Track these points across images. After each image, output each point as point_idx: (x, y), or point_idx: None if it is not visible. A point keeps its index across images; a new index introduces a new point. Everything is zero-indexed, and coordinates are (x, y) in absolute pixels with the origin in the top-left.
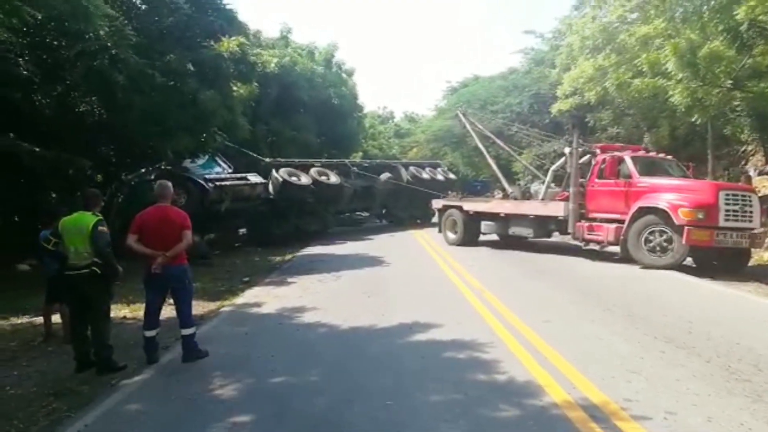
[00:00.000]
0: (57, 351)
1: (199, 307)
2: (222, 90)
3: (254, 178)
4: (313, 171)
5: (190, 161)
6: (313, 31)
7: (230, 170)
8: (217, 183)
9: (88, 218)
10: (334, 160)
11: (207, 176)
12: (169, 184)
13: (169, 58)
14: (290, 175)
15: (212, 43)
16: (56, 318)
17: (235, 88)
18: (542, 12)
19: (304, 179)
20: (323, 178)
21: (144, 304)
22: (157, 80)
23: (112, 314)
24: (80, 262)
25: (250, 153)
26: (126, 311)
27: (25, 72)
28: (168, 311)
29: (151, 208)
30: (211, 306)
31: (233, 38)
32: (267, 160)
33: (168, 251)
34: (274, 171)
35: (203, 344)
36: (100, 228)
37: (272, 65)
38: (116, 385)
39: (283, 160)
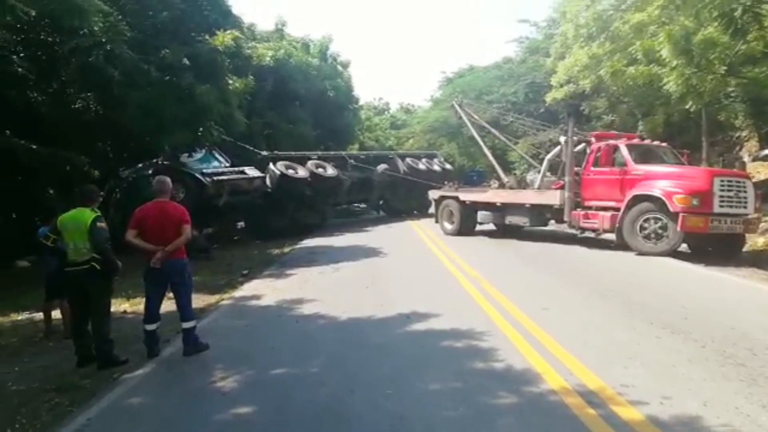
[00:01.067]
0: (58, 346)
1: (198, 301)
2: (218, 84)
3: (252, 171)
4: (310, 164)
5: (188, 156)
6: (307, 24)
7: (228, 164)
8: (215, 177)
9: (86, 214)
10: (331, 153)
11: (204, 171)
12: (168, 179)
13: (165, 53)
14: (287, 168)
15: (207, 37)
16: (56, 314)
17: (230, 82)
18: (537, 0)
19: (302, 172)
20: (320, 170)
21: (144, 299)
22: (152, 75)
23: (113, 309)
24: (79, 258)
25: (247, 147)
26: (126, 306)
27: (20, 69)
28: (168, 305)
29: (150, 203)
30: (211, 299)
31: (228, 32)
32: (264, 153)
33: (167, 246)
34: (271, 164)
35: (204, 337)
36: (98, 224)
37: (267, 58)
38: (118, 379)
39: (280, 153)
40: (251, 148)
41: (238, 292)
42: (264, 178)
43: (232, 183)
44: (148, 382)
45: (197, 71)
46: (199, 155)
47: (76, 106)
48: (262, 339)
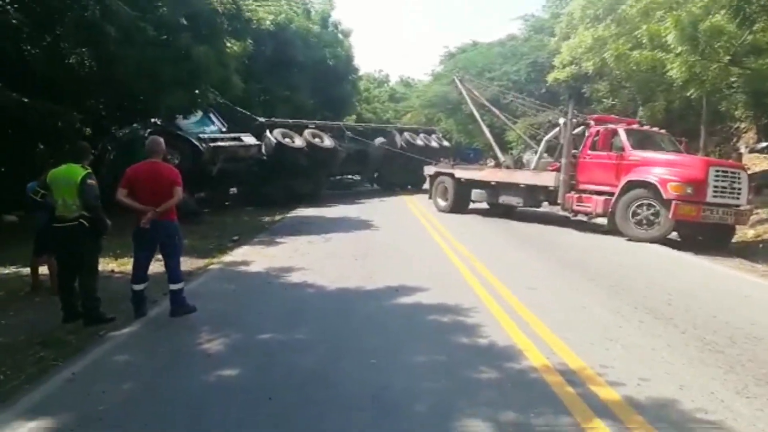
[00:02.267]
0: (44, 302)
1: (187, 264)
2: (216, 46)
3: (248, 138)
4: (307, 133)
5: (183, 118)
6: None
7: (224, 128)
8: (211, 144)
9: (77, 170)
10: (329, 123)
11: (201, 135)
12: (161, 139)
13: (162, 11)
14: (284, 136)
15: None
16: (44, 269)
17: (229, 45)
18: None
19: (298, 141)
20: (317, 140)
21: (132, 259)
22: (149, 33)
23: (100, 267)
24: (68, 214)
25: (244, 111)
26: (114, 265)
27: (14, 21)
28: (156, 266)
29: (142, 163)
30: (200, 263)
31: None
32: (261, 119)
33: (158, 207)
34: (268, 132)
35: (191, 300)
36: (89, 181)
37: (267, 22)
38: (104, 336)
39: (277, 120)
40: (249, 114)
41: (228, 257)
42: (260, 146)
43: (228, 150)
44: (134, 341)
45: (195, 31)
46: (195, 118)
47: (70, 61)
48: (249, 304)
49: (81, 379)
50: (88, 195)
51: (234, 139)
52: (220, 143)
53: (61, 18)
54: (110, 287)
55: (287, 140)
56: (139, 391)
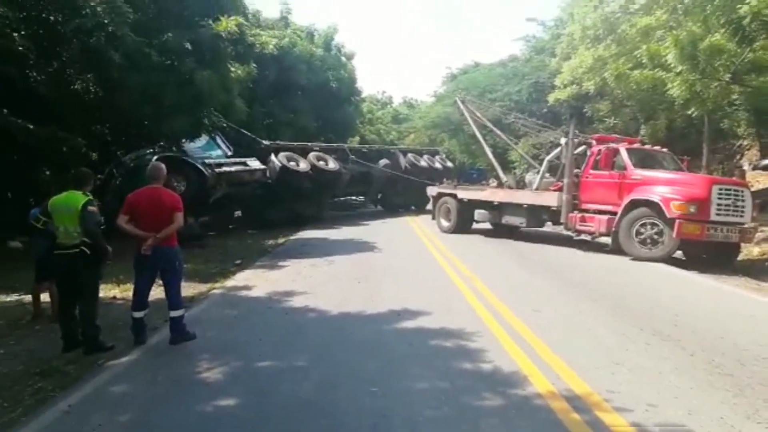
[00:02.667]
0: (45, 330)
1: (189, 289)
2: (219, 70)
3: (253, 163)
4: (311, 156)
5: (190, 142)
6: (313, 13)
7: (230, 152)
8: (217, 169)
9: (77, 197)
10: (333, 145)
11: (206, 161)
12: (162, 165)
13: (167, 37)
14: (289, 160)
15: (210, 22)
16: (45, 297)
17: (232, 69)
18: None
19: (303, 165)
20: (321, 163)
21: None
22: (153, 59)
23: (102, 294)
24: (69, 241)
25: (250, 135)
26: (116, 291)
27: (20, 47)
28: (157, 292)
29: (143, 189)
30: (202, 288)
31: (232, 18)
32: (266, 143)
33: (159, 233)
34: (273, 155)
35: (192, 326)
36: (89, 208)
37: (271, 46)
38: (103, 365)
39: (282, 143)
40: (254, 137)
41: (230, 282)
42: (265, 170)
43: (233, 174)
44: (133, 370)
45: (199, 56)
46: (201, 142)
47: (76, 87)
48: (250, 330)
49: (78, 410)
50: (89, 222)
51: (239, 163)
52: (225, 168)
53: (66, 44)
54: (111, 314)
55: (292, 164)
56: (135, 422)
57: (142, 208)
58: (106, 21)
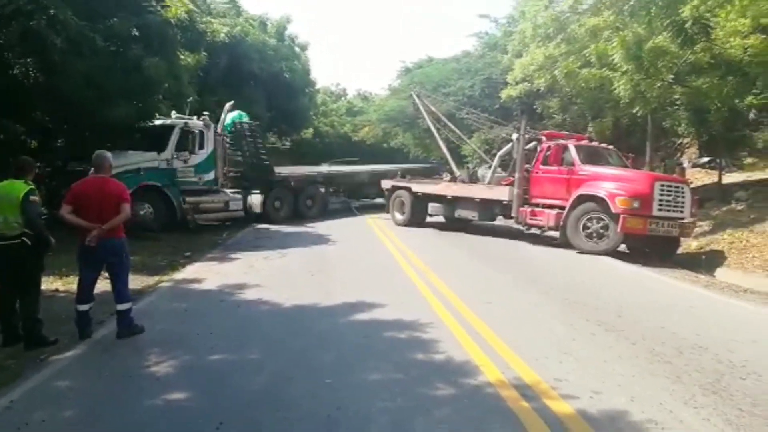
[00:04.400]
0: None
1: (136, 282)
2: (168, 58)
3: (236, 204)
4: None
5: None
6: (265, 2)
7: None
8: (190, 199)
9: (18, 186)
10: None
11: (184, 187)
12: (108, 154)
13: (113, 22)
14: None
15: (159, 8)
16: None
17: (182, 57)
18: None
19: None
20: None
21: (78, 278)
22: (98, 44)
23: (44, 286)
24: (10, 232)
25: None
26: (58, 284)
27: None
28: (103, 285)
29: (89, 178)
30: (150, 281)
31: (181, 4)
32: (282, 172)
33: (105, 224)
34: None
35: (140, 320)
36: (31, 197)
37: (222, 35)
38: (45, 360)
39: (297, 174)
40: (267, 162)
41: (179, 275)
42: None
43: (209, 208)
44: (78, 364)
45: (146, 43)
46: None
47: (14, 71)
48: (200, 323)
49: (19, 406)
50: (31, 212)
51: (222, 201)
52: (203, 200)
53: (4, 27)
54: (54, 307)
55: (277, 203)
56: (81, 418)
57: (87, 199)
58: (46, 3)
